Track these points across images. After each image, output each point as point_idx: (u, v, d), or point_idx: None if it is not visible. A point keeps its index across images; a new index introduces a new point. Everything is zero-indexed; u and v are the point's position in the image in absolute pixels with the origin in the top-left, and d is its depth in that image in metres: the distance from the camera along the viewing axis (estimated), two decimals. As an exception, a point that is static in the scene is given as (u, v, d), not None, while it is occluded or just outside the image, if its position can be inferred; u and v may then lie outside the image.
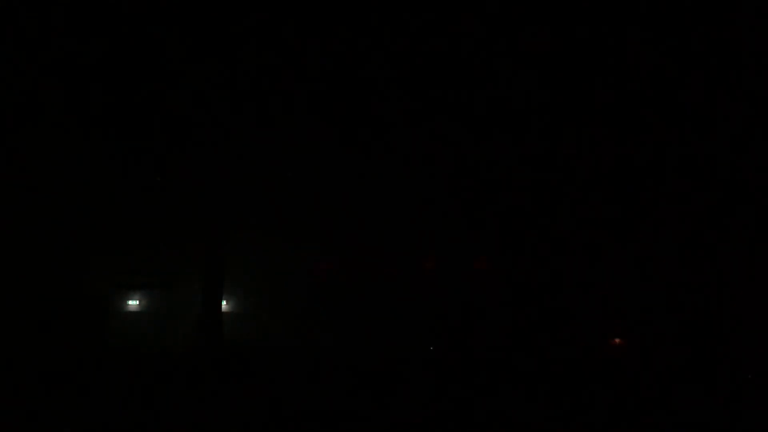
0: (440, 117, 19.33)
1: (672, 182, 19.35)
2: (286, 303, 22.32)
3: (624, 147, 19.26)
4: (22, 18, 16.07)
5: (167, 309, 22.45)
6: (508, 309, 20.90)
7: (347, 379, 15.00)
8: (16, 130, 18.25)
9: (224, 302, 21.86)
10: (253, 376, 15.48)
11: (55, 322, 19.43)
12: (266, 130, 19.86)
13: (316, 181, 21.18)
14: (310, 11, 17.65)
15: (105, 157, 19.83)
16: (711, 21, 16.74)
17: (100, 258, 21.72)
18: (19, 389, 12.87)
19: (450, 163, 20.67)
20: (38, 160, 19.23)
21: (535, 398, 13.52)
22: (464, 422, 11.25)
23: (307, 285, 22.32)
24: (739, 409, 12.40)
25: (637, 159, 19.36)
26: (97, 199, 20.71)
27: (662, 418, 11.94)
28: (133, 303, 22.74)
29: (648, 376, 16.52)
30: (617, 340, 20.38)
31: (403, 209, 21.44)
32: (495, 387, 14.66)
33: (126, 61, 17.42)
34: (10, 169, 19.05)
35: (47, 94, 17.80)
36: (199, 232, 21.62)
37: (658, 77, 17.92)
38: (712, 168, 18.74)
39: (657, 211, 19.98)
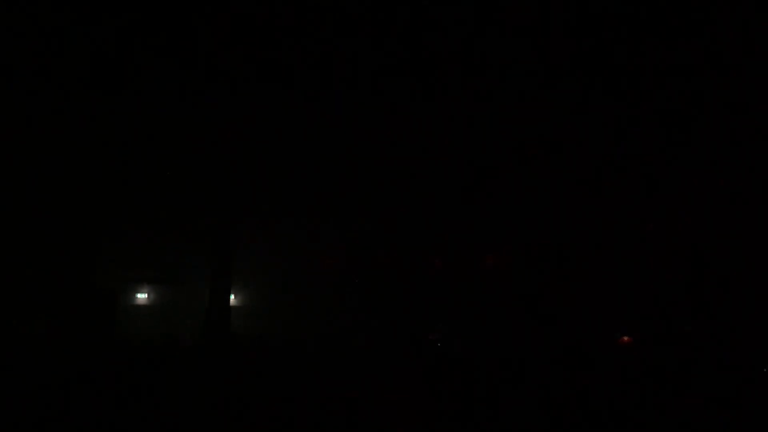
0: (448, 113, 19.30)
1: (677, 180, 19.30)
2: (293, 297, 22.36)
3: (631, 144, 19.21)
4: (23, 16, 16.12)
5: (175, 303, 22.55)
6: (515, 305, 20.89)
7: (349, 373, 15.01)
8: (23, 124, 18.33)
9: (232, 296, 21.94)
10: (259, 369, 15.52)
11: (64, 315, 19.54)
12: (275, 125, 19.89)
13: (324, 176, 21.19)
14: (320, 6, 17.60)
15: (114, 151, 19.91)
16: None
17: (109, 252, 21.83)
18: (27, 383, 12.94)
19: (458, 160, 20.64)
20: (46, 155, 19.32)
21: (541, 396, 13.47)
22: (468, 419, 11.24)
23: (315, 280, 22.33)
24: (742, 407, 12.32)
25: (645, 156, 19.31)
26: (106, 194, 20.80)
27: (668, 416, 11.90)
28: (141, 297, 22.87)
29: (655, 374, 16.43)
30: (625, 338, 20.33)
31: (410, 204, 21.43)
32: (501, 384, 14.63)
33: (130, 56, 17.45)
34: (18, 164, 19.15)
35: (52, 88, 17.86)
36: (207, 227, 21.70)
37: (662, 78, 17.85)
38: (716, 167, 18.69)
39: (662, 208, 19.95)
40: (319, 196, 21.43)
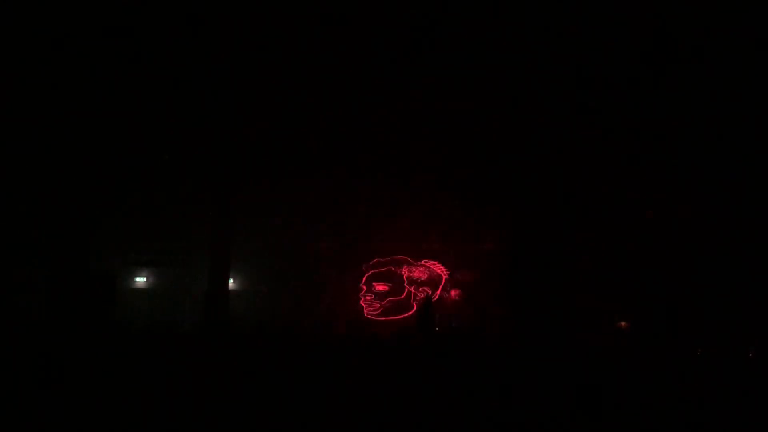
0: (446, 103, 19.30)
1: (676, 176, 19.39)
2: (292, 282, 22.38)
3: (630, 137, 19.26)
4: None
5: (174, 286, 22.57)
6: (512, 293, 21.00)
7: (346, 361, 15.03)
8: (22, 108, 18.31)
9: (231, 280, 21.99)
10: (257, 353, 15.57)
11: (63, 298, 19.60)
12: (273, 115, 19.89)
13: (322, 161, 21.22)
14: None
15: (113, 134, 19.89)
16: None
17: (109, 235, 21.84)
18: (26, 366, 12.99)
19: (456, 147, 20.67)
20: (45, 137, 19.30)
21: (539, 385, 13.52)
22: (467, 411, 11.30)
23: (313, 264, 22.36)
24: (738, 398, 12.41)
25: (644, 150, 19.37)
26: (106, 176, 20.80)
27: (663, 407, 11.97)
28: (140, 280, 22.89)
29: (650, 363, 16.53)
30: (622, 324, 20.48)
31: (408, 191, 21.47)
32: (500, 373, 14.68)
33: (128, 41, 17.42)
34: (18, 145, 19.13)
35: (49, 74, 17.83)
36: (206, 210, 21.74)
37: (663, 81, 17.89)
38: (715, 164, 18.79)
39: (660, 200, 20.04)
40: (319, 182, 21.48)
